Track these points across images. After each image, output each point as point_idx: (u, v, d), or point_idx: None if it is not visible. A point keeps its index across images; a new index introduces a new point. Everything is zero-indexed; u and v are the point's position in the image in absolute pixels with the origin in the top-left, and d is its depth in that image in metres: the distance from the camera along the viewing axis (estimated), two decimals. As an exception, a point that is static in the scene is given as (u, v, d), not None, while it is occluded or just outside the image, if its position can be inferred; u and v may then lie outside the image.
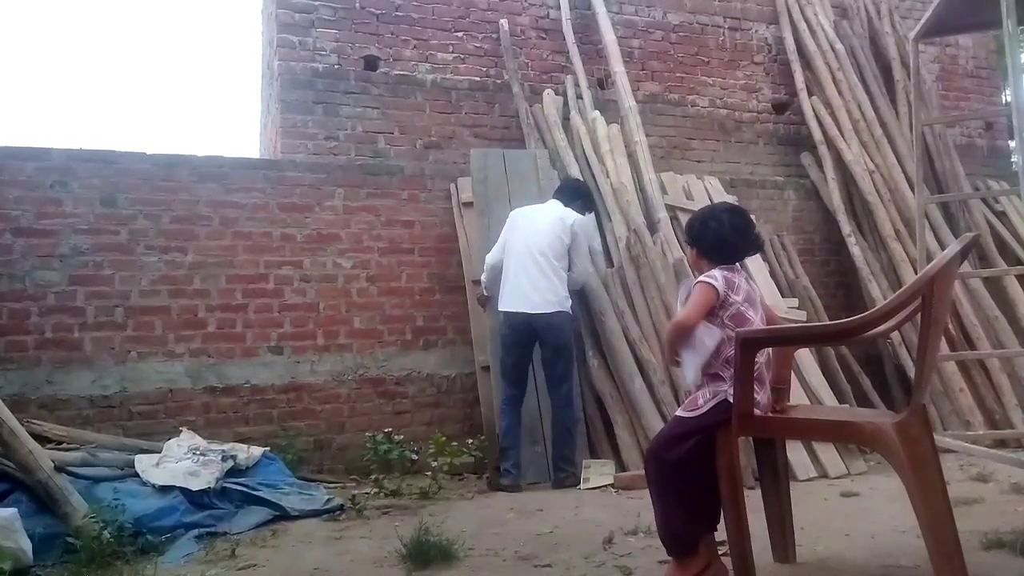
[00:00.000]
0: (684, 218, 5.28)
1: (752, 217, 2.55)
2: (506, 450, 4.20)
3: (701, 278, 2.34)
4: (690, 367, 2.30)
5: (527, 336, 4.26)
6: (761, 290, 2.55)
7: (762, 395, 2.29)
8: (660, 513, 2.31)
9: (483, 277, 4.57)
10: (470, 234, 5.02)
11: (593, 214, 4.93)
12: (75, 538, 2.88)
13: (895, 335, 5.30)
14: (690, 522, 2.26)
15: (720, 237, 2.41)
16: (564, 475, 4.17)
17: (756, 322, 2.32)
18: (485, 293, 4.59)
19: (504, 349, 4.35)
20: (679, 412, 2.38)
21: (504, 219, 4.68)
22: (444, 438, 4.18)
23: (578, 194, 4.62)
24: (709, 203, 5.37)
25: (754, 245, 2.50)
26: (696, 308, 2.26)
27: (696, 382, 2.32)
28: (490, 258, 4.49)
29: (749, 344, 2.17)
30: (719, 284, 2.29)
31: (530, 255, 4.27)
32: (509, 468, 4.15)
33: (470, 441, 4.26)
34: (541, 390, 4.50)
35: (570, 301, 4.35)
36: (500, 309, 4.35)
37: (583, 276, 4.53)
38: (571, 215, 4.42)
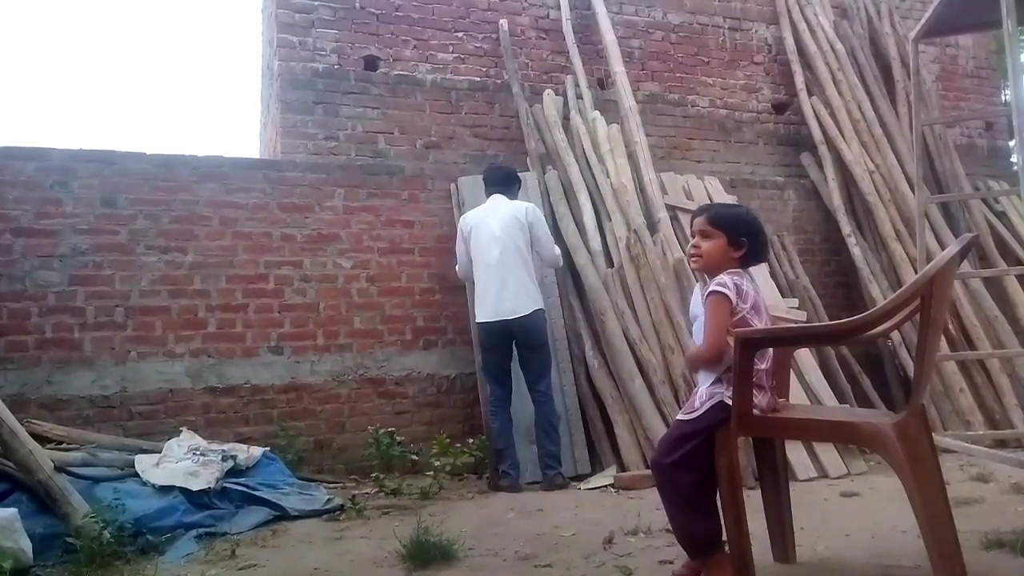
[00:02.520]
0: (684, 218, 5.28)
1: None
2: (502, 451, 4.21)
3: (713, 288, 2.28)
4: (706, 382, 2.32)
5: (506, 338, 4.29)
6: (765, 295, 2.52)
7: (762, 398, 2.29)
8: (672, 517, 2.31)
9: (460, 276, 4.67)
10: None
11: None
12: (75, 538, 2.88)
13: (895, 335, 5.30)
14: (702, 521, 2.25)
15: (766, 242, 2.45)
16: (553, 472, 4.18)
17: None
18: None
19: (485, 352, 4.40)
20: (678, 416, 2.38)
21: None
22: (448, 439, 4.19)
23: (512, 179, 4.61)
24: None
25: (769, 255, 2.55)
26: (721, 331, 2.21)
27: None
28: (462, 274, 4.55)
29: (748, 344, 2.16)
30: (731, 293, 2.26)
31: (498, 261, 4.26)
32: (507, 470, 4.16)
33: (471, 441, 4.27)
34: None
35: (541, 296, 4.38)
36: (477, 321, 4.37)
37: (553, 259, 4.57)
38: (523, 208, 4.42)
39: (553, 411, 4.31)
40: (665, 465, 2.28)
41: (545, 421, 4.25)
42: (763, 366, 2.31)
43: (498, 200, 4.46)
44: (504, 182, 4.54)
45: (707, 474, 2.24)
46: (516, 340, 4.29)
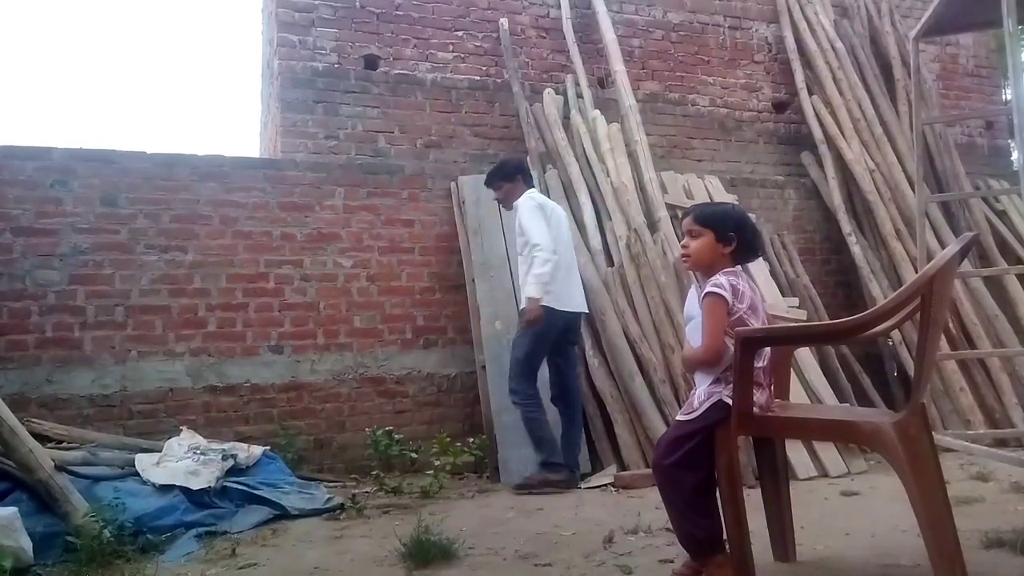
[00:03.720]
0: (684, 217, 5.27)
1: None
2: (553, 442, 4.11)
3: (709, 289, 2.28)
4: (704, 382, 2.32)
5: (563, 330, 4.19)
6: (762, 292, 2.51)
7: (760, 396, 2.29)
8: (673, 517, 2.31)
9: (546, 269, 4.03)
10: (470, 237, 5.03)
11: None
12: (75, 537, 2.88)
13: (895, 334, 5.30)
14: (703, 521, 2.25)
15: (757, 235, 2.45)
16: (579, 470, 4.21)
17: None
18: (539, 297, 4.04)
19: (541, 344, 4.11)
20: (678, 416, 2.38)
21: (498, 239, 4.81)
22: (448, 438, 4.19)
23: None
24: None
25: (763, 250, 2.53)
26: (719, 333, 2.23)
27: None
28: (552, 257, 4.08)
29: (749, 343, 2.17)
30: (727, 295, 2.25)
31: (571, 251, 4.36)
32: (562, 461, 4.08)
33: (471, 440, 4.26)
34: (542, 387, 4.51)
35: None
36: (554, 307, 4.07)
37: None
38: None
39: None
40: (665, 466, 2.27)
41: (581, 414, 4.33)
42: (760, 364, 2.31)
43: (544, 196, 4.52)
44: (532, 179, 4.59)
45: (708, 474, 2.24)
46: (570, 336, 4.29)
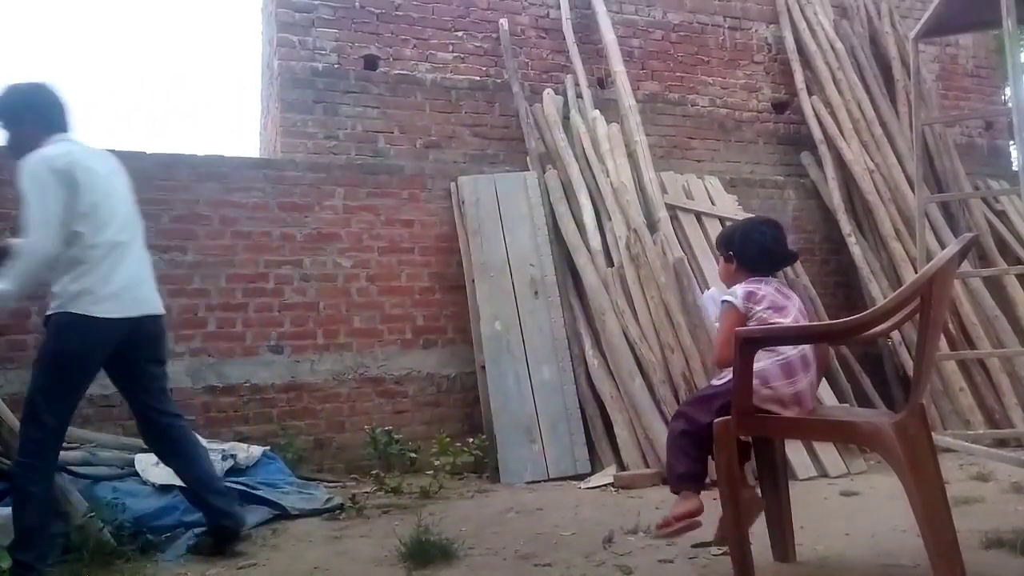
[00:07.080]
0: (684, 217, 5.29)
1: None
2: (39, 535, 2.67)
3: (723, 298, 2.42)
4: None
5: (114, 349, 2.85)
6: (799, 295, 2.56)
7: (791, 412, 2.29)
8: (668, 450, 2.39)
9: (18, 281, 2.67)
10: (470, 237, 5.03)
11: None
12: (75, 537, 2.88)
13: (895, 334, 5.30)
14: (685, 462, 2.31)
15: (763, 248, 2.48)
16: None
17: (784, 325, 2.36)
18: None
19: (65, 371, 2.80)
20: (712, 381, 2.52)
21: (497, 239, 4.76)
22: (448, 438, 4.19)
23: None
24: (712, 210, 5.39)
25: (791, 255, 2.60)
26: (725, 342, 2.31)
27: None
28: (50, 247, 2.69)
29: (748, 343, 2.16)
30: (739, 302, 2.36)
31: (135, 229, 3.01)
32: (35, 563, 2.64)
33: (471, 440, 4.26)
34: (537, 390, 4.52)
35: None
36: (97, 315, 2.74)
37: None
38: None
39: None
40: (683, 406, 2.48)
41: (204, 453, 3.16)
42: (804, 383, 2.29)
43: (82, 144, 3.02)
44: (68, 119, 3.00)
45: (705, 435, 2.27)
46: (141, 349, 2.95)
